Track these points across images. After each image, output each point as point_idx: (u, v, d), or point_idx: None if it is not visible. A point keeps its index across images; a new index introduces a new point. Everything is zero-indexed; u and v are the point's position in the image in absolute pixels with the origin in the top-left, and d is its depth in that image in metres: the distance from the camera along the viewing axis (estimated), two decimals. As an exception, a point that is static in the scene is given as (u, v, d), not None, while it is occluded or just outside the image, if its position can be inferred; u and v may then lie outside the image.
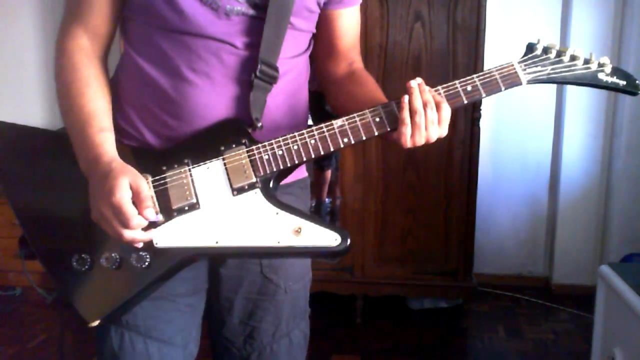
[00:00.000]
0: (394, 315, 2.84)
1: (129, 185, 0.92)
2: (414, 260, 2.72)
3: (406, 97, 0.98)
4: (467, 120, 2.57)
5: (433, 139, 1.01)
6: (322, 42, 1.14)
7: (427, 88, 0.99)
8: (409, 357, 2.49)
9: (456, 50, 2.52)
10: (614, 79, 1.01)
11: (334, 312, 2.85)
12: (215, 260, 1.13)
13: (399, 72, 2.56)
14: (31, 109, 3.30)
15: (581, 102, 2.94)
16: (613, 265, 1.80)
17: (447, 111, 0.99)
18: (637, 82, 1.02)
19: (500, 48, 2.80)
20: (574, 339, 2.62)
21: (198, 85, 1.01)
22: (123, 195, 0.91)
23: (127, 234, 0.92)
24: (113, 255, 0.98)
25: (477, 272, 2.94)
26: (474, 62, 2.51)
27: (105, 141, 0.98)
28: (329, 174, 3.52)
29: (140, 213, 0.92)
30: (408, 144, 1.01)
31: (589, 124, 2.96)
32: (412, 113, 0.98)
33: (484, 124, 2.67)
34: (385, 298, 2.81)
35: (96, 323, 0.99)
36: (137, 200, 0.92)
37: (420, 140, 1.00)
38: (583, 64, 1.02)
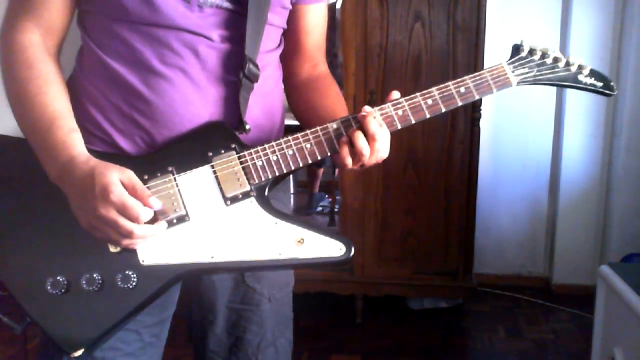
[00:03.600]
0: (394, 315, 2.84)
1: (120, 181, 0.85)
2: (414, 260, 2.72)
3: (345, 155, 0.94)
4: (467, 120, 2.57)
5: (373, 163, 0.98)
6: (289, 39, 1.11)
7: (370, 120, 0.94)
8: (409, 357, 2.49)
9: (456, 50, 2.52)
10: (592, 80, 1.05)
11: (334, 312, 2.85)
12: (193, 277, 1.06)
13: (399, 72, 2.55)
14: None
15: (581, 102, 2.94)
16: (613, 265, 1.80)
17: (383, 142, 0.95)
18: (611, 83, 1.06)
19: (500, 48, 2.79)
20: (574, 339, 2.62)
21: (172, 80, 0.93)
22: (121, 191, 0.83)
23: (138, 230, 0.85)
24: (94, 276, 0.89)
25: (477, 272, 2.94)
26: (474, 62, 2.51)
27: (77, 142, 0.89)
28: (321, 171, 3.54)
29: (145, 204, 0.85)
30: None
31: (589, 124, 2.96)
32: (356, 154, 0.94)
33: (484, 124, 2.66)
34: (385, 298, 2.81)
35: (79, 353, 0.89)
36: (135, 193, 0.85)
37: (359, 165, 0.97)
38: (564, 66, 1.04)
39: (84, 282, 0.89)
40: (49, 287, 0.89)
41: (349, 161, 0.94)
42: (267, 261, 0.93)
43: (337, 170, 3.18)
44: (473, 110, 2.56)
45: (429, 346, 2.57)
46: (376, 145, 0.93)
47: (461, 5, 2.49)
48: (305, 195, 3.69)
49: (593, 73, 1.05)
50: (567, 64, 1.04)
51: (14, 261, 0.91)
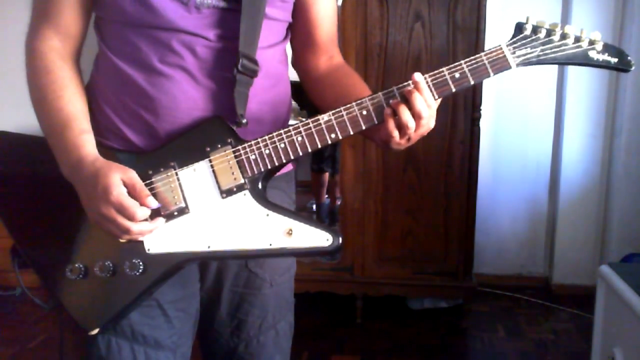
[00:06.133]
0: (394, 315, 2.84)
1: (121, 180, 0.92)
2: (414, 260, 2.72)
3: (392, 130, 0.97)
4: (467, 120, 2.57)
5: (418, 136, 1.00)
6: (299, 32, 1.13)
7: (424, 88, 0.99)
8: (409, 357, 2.49)
9: (456, 50, 2.52)
10: (605, 57, 0.97)
11: (334, 312, 2.85)
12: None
13: (399, 72, 2.55)
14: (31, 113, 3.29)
15: (581, 102, 2.94)
16: (613, 265, 1.80)
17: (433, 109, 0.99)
18: (629, 58, 0.97)
19: (500, 48, 2.80)
20: (574, 339, 2.62)
21: (173, 78, 0.99)
22: (120, 192, 0.91)
23: (135, 227, 0.93)
24: (106, 263, 0.98)
25: (477, 272, 2.94)
26: (474, 62, 2.50)
27: (86, 143, 0.96)
28: (326, 176, 3.52)
29: (142, 203, 0.93)
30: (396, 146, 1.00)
31: (589, 124, 2.96)
32: (402, 127, 0.97)
33: (484, 124, 2.66)
34: (385, 298, 2.81)
35: (95, 331, 0.99)
36: (134, 193, 0.93)
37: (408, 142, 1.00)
38: (574, 43, 0.96)
39: (97, 269, 0.98)
40: (68, 273, 0.99)
41: (395, 134, 0.97)
42: (259, 250, 0.98)
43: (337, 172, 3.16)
44: (473, 110, 2.56)
45: (429, 346, 2.57)
46: (405, 130, 0.97)
47: (461, 5, 2.49)
48: (303, 195, 3.68)
49: (607, 48, 0.97)
50: (577, 39, 0.96)
51: (40, 249, 1.03)
